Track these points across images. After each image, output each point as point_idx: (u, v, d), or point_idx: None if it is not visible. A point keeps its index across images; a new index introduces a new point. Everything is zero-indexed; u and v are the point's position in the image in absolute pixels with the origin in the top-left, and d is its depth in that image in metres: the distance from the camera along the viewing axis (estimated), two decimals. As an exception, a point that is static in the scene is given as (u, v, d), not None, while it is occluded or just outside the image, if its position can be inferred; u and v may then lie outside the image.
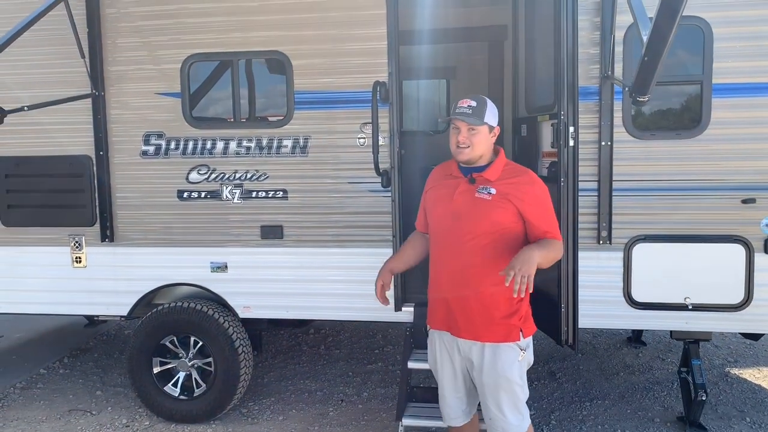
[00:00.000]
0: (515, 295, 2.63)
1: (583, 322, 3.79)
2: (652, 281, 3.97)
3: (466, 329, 2.96)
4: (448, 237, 2.97)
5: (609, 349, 5.87)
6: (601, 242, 3.96)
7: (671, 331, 4.19)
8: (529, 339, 2.99)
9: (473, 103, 2.89)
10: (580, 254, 3.65)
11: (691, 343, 4.17)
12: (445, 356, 3.10)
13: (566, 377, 5.27)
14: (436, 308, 3.10)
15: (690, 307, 3.93)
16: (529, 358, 2.99)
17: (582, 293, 3.67)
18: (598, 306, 4.01)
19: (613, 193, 3.92)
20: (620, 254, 3.98)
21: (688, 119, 3.92)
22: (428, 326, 3.19)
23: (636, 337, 6.00)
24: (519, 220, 2.87)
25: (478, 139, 2.89)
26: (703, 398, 4.03)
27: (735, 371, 5.32)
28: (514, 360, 2.91)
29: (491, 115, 2.92)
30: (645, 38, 2.91)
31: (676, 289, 3.94)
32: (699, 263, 3.93)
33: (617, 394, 4.91)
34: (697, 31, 3.77)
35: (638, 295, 3.99)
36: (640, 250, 3.96)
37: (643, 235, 3.95)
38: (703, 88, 3.82)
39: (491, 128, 2.93)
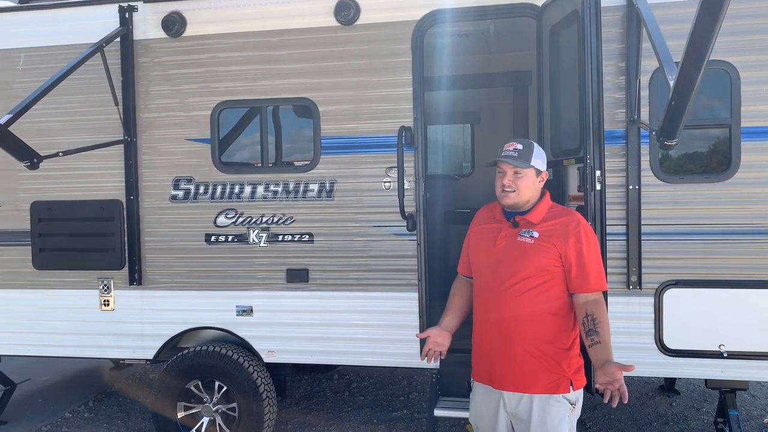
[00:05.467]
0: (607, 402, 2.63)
1: (614, 370, 3.69)
2: (684, 328, 3.88)
3: (511, 381, 2.81)
4: (490, 283, 2.87)
5: (641, 398, 5.70)
6: (630, 287, 3.89)
7: (706, 380, 4.06)
8: (580, 392, 2.85)
9: (519, 146, 2.82)
10: (610, 299, 3.54)
11: (727, 392, 4.04)
12: (491, 412, 2.91)
13: (597, 427, 5.11)
14: (479, 359, 2.96)
15: (725, 354, 3.82)
16: (578, 411, 2.85)
17: (612, 340, 3.57)
18: (629, 353, 3.88)
19: (642, 238, 3.87)
20: (651, 299, 3.90)
21: (717, 163, 3.88)
22: (472, 379, 3.03)
23: (669, 385, 5.82)
24: (561, 263, 2.76)
25: (525, 183, 2.80)
26: (742, 451, 3.88)
27: (774, 422, 5.13)
28: (564, 416, 2.77)
29: (539, 158, 2.84)
30: (671, 82, 2.91)
31: (710, 335, 3.84)
32: (733, 309, 3.82)
33: (651, 446, 4.75)
34: (723, 75, 3.76)
35: (670, 342, 3.89)
36: (671, 296, 3.87)
37: (674, 280, 3.87)
38: (731, 132, 3.79)
39: (539, 172, 2.84)
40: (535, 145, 2.88)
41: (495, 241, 2.88)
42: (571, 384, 2.79)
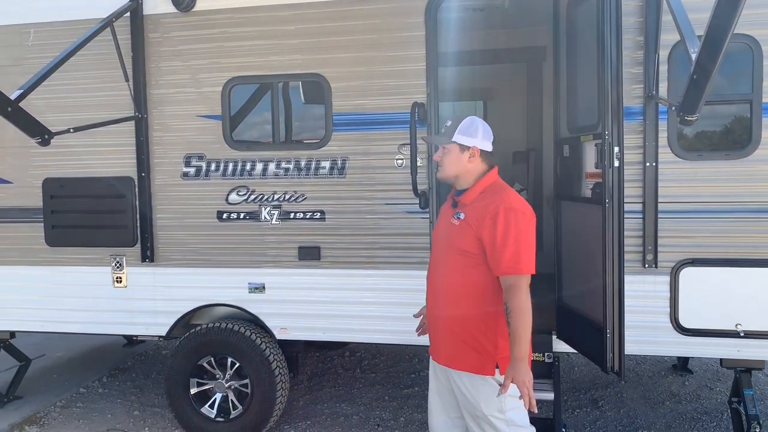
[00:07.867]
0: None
1: (629, 349, 3.66)
2: (700, 307, 3.83)
3: (441, 354, 2.92)
4: (432, 258, 3.03)
5: (654, 377, 5.68)
6: (646, 266, 3.85)
7: (721, 359, 4.02)
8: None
9: (448, 123, 2.89)
10: (626, 278, 3.54)
11: (742, 371, 4.00)
12: (433, 379, 3.06)
13: (609, 405, 5.10)
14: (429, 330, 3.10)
15: (742, 334, 3.78)
16: (515, 393, 2.68)
17: (627, 318, 3.55)
18: (644, 332, 3.87)
19: (659, 216, 3.81)
20: (667, 278, 3.85)
21: (736, 139, 3.80)
22: None
23: (682, 364, 5.80)
24: (482, 247, 2.72)
25: (449, 159, 2.86)
26: (757, 430, 3.85)
27: (788, 402, 5.10)
28: (490, 395, 2.73)
29: (465, 134, 2.82)
30: (694, 56, 2.83)
31: (727, 315, 3.79)
32: (750, 288, 3.77)
33: (663, 424, 4.73)
34: (745, 49, 3.67)
35: (686, 321, 3.84)
36: (687, 275, 3.82)
37: (690, 258, 3.82)
38: (752, 107, 3.70)
39: (464, 148, 2.83)
40: (467, 120, 2.87)
41: (440, 220, 3.01)
42: (497, 367, 2.74)
